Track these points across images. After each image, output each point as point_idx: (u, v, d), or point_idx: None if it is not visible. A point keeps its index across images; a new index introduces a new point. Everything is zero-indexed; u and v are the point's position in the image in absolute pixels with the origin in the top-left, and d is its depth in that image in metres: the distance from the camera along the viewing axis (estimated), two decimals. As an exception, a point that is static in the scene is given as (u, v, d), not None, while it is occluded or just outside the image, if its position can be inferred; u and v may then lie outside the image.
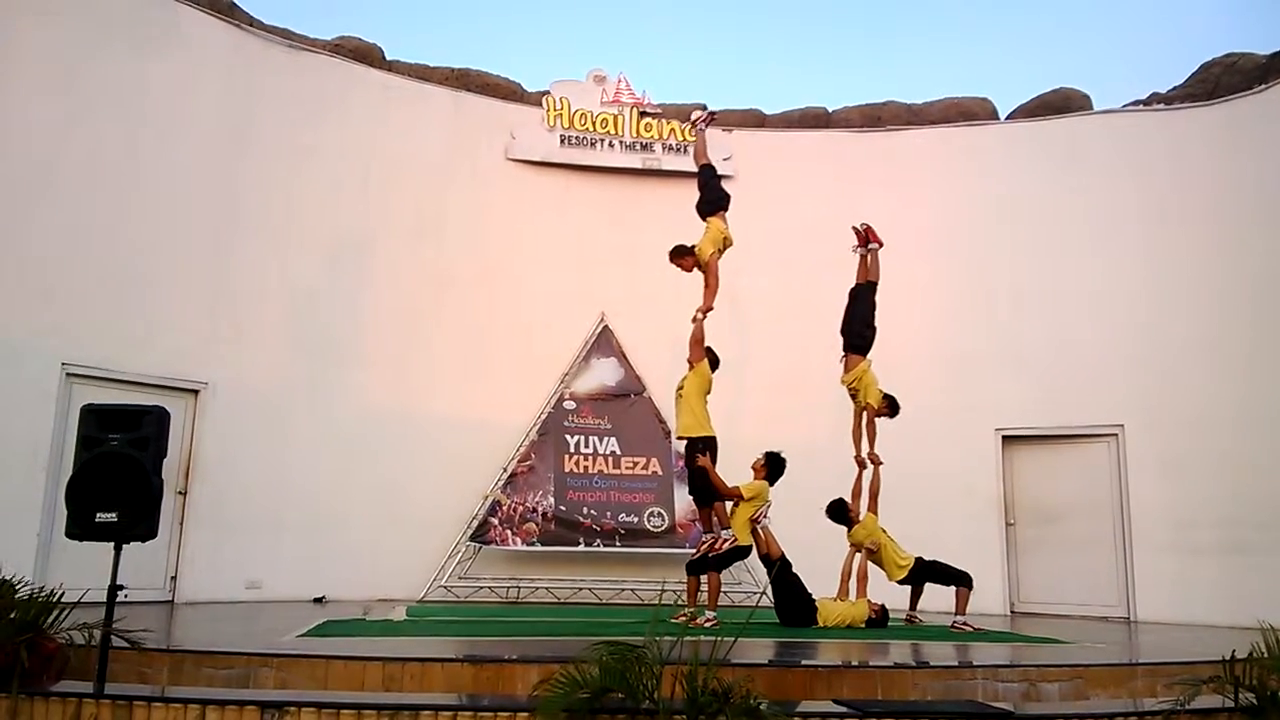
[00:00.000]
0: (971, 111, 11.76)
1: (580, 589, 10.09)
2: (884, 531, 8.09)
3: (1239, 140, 10.28)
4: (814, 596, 7.67)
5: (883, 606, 7.84)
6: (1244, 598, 8.51)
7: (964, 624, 7.55)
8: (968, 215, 11.14)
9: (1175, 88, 11.21)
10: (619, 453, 10.77)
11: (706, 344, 7.64)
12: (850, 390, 8.44)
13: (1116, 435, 10.18)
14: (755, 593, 9.51)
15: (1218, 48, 15.16)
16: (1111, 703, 4.83)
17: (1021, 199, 10.99)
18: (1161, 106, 11.04)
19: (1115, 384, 10.19)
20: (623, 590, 10.10)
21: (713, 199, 8.04)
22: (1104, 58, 22.53)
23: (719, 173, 8.60)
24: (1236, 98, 10.46)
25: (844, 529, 8.23)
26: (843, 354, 8.51)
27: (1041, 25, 24.09)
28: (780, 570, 7.53)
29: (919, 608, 8.16)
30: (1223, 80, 10.74)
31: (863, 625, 7.64)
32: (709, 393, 7.55)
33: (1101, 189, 10.71)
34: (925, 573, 8.02)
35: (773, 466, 7.73)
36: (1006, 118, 11.69)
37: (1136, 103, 11.33)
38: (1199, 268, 10.15)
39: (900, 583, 8.07)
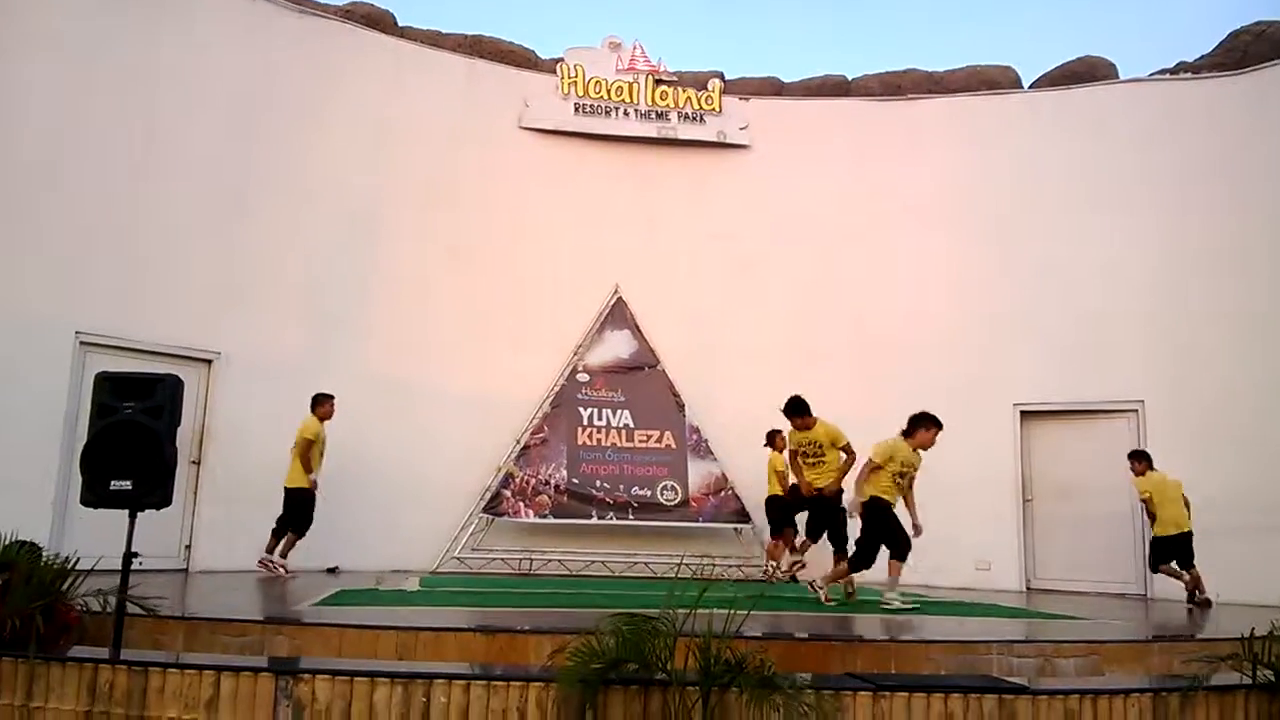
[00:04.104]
0: (994, 80, 11.54)
1: (592, 562, 10.10)
2: None
3: (1267, 110, 10.05)
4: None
5: None
6: (1263, 575, 8.44)
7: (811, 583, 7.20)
8: (989, 186, 10.95)
9: (1203, 56, 10.95)
10: (632, 426, 10.74)
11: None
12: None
13: (1137, 411, 10.05)
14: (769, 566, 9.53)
15: (1246, 16, 14.76)
16: (1128, 678, 4.79)
17: (1044, 170, 10.80)
18: (1189, 76, 10.79)
19: (1136, 360, 10.04)
20: (635, 563, 10.10)
21: None
22: (1131, 25, 22.11)
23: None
24: (1265, 67, 10.21)
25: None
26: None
27: (1066, -7, 23.60)
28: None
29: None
30: (1251, 49, 10.49)
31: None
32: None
33: (1126, 159, 10.50)
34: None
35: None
36: (1030, 86, 11.47)
37: (1163, 72, 11.08)
38: (1224, 240, 9.95)
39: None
